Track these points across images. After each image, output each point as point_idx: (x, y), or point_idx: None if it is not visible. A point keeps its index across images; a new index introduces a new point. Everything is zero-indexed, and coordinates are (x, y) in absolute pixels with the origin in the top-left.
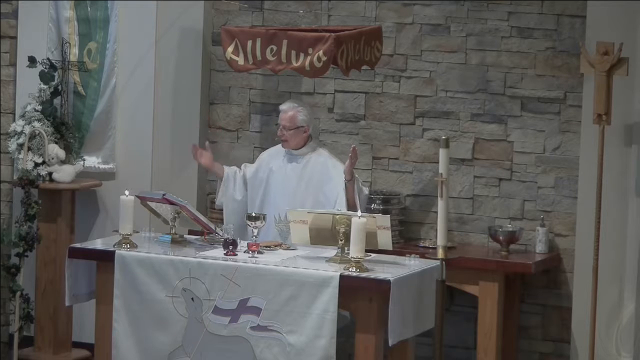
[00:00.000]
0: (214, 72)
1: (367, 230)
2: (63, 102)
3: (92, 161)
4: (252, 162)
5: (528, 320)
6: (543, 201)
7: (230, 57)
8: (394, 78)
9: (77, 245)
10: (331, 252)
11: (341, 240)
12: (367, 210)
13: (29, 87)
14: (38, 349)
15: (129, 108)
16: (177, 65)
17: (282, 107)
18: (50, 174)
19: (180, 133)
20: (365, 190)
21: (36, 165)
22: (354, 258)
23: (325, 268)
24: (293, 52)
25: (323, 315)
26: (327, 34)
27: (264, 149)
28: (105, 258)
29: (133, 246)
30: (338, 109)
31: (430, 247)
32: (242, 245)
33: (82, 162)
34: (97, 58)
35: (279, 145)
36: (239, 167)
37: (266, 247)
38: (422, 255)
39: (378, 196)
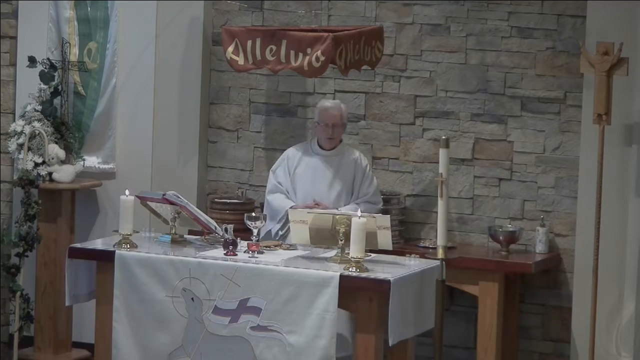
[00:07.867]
0: (214, 72)
1: (367, 230)
2: (63, 102)
3: (92, 161)
4: (251, 162)
5: (528, 320)
6: (543, 201)
7: (231, 57)
8: (394, 78)
9: (77, 245)
10: (331, 252)
11: (341, 240)
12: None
13: (29, 87)
14: (38, 349)
15: (129, 108)
16: (177, 65)
17: (326, 104)
18: (50, 174)
19: (180, 133)
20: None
21: (36, 165)
22: (354, 258)
23: (325, 268)
24: (292, 52)
25: (323, 315)
26: (326, 34)
27: (263, 149)
28: (105, 258)
29: (133, 246)
30: None
31: (430, 247)
32: (242, 245)
33: (82, 162)
34: (97, 58)
35: (304, 143)
36: (281, 189)
37: (266, 247)
38: (422, 255)
39: None
